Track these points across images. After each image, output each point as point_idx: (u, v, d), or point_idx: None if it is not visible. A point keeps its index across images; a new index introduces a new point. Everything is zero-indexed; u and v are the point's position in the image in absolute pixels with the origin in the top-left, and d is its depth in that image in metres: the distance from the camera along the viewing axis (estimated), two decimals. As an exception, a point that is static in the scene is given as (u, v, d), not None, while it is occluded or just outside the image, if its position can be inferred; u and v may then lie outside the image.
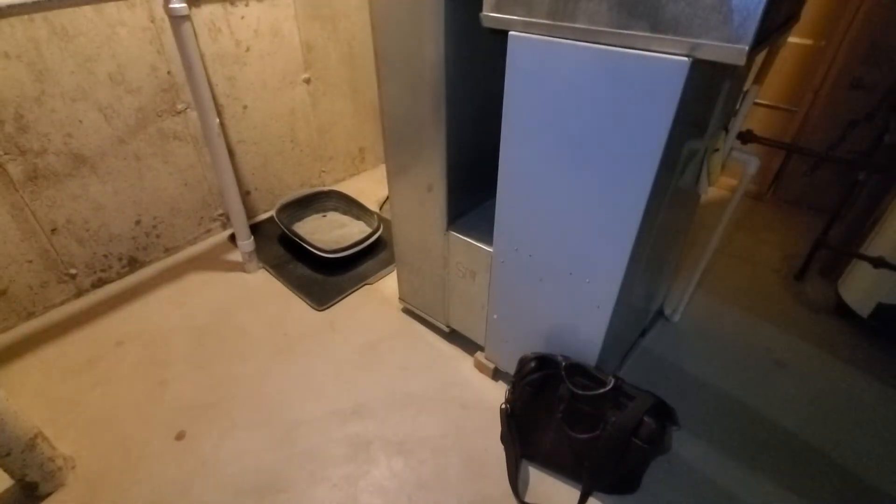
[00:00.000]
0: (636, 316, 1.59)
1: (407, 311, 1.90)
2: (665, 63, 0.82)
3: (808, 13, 2.26)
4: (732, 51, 0.74)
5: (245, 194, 2.38)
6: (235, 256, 2.18)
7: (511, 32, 0.98)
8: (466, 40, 1.17)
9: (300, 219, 2.39)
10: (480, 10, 1.01)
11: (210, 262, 2.20)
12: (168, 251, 2.20)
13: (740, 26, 0.72)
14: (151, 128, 1.94)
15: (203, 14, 1.92)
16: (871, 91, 2.18)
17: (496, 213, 1.26)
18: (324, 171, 2.72)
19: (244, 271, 2.13)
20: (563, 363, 1.26)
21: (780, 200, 2.64)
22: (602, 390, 1.19)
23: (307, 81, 2.40)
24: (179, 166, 2.09)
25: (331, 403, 1.55)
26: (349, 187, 2.75)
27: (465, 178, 1.42)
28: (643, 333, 1.81)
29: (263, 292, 2.02)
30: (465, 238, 1.43)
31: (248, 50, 2.11)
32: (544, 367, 1.29)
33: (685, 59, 0.79)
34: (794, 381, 1.64)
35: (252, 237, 2.07)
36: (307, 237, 2.11)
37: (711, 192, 1.39)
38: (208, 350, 1.75)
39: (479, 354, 1.65)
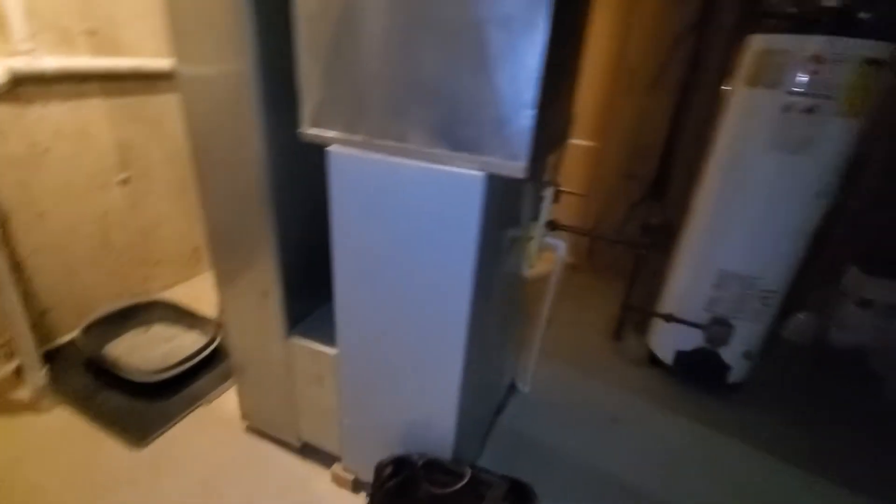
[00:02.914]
0: (489, 395, 1.65)
1: (252, 431, 1.68)
2: (466, 177, 0.93)
3: (587, 122, 2.85)
4: (513, 167, 0.88)
5: (40, 315, 1.96)
6: (23, 394, 1.74)
7: (329, 148, 1.03)
8: (290, 147, 1.18)
9: (116, 336, 2.03)
10: (298, 125, 1.05)
11: (-20, 407, 1.71)
12: (-90, 402, 1.66)
13: (516, 148, 0.87)
14: None
15: (-18, 114, 1.66)
16: (642, 180, 2.77)
17: (335, 316, 1.24)
18: (149, 278, 2.40)
19: (35, 411, 1.69)
20: (420, 462, 1.22)
21: (595, 269, 3.10)
22: (459, 485, 1.17)
23: (125, 182, 2.17)
24: (-65, 290, 1.65)
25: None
26: (182, 293, 2.46)
27: (304, 281, 1.38)
28: (500, 411, 1.87)
29: (63, 436, 1.62)
30: (308, 343, 1.36)
31: (46, 151, 1.86)
32: (401, 469, 1.23)
33: (480, 173, 0.91)
34: (627, 434, 1.82)
35: (46, 367, 1.69)
36: (124, 358, 1.79)
37: (540, 268, 1.59)
38: (-35, 534, 1.30)
39: (336, 466, 1.51)
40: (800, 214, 1.69)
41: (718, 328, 1.87)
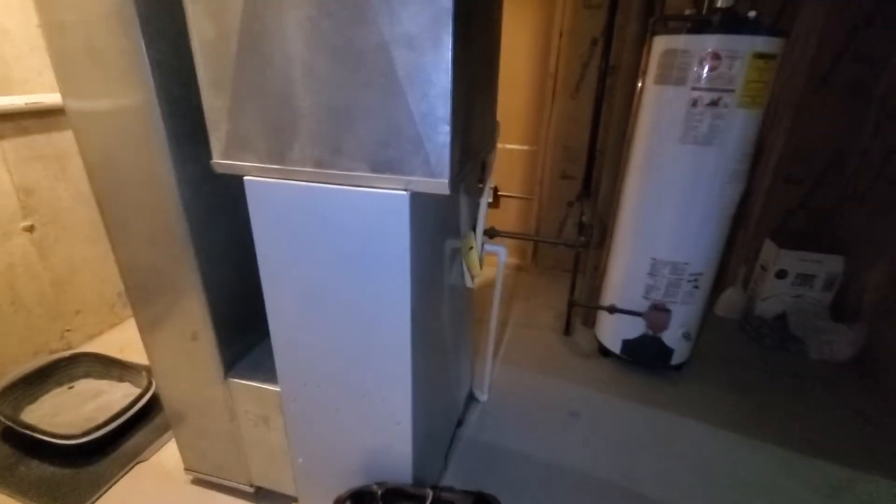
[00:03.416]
0: (447, 410, 1.63)
1: (199, 482, 1.56)
2: (390, 197, 0.91)
3: (521, 127, 2.93)
4: (436, 184, 0.87)
5: (-62, 386, 1.74)
6: (-80, 481, 1.53)
7: (246, 178, 0.98)
8: (206, 180, 1.12)
9: (35, 399, 1.84)
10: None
11: None
12: None
13: (437, 165, 0.86)
14: None
15: None
16: (575, 180, 2.87)
17: (274, 351, 1.18)
18: (68, 330, 2.20)
19: (-62, 499, 1.50)
20: (380, 491, 1.18)
21: (541, 268, 3.18)
22: (421, 509, 1.14)
23: (29, 230, 1.98)
24: None
25: None
26: (109, 342, 2.27)
27: (238, 318, 1.31)
28: (460, 423, 1.86)
29: (-28, 522, 1.44)
30: (248, 382, 1.28)
31: (-72, 203, 1.66)
32: (361, 502, 1.19)
33: (405, 192, 0.90)
34: (586, 426, 1.87)
35: (-51, 446, 1.49)
36: (44, 422, 1.62)
37: (487, 274, 1.60)
38: None
39: (293, 507, 1.44)
40: (717, 200, 1.80)
41: (657, 314, 1.96)
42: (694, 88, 1.65)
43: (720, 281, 2.49)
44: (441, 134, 0.83)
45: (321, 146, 0.91)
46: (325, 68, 0.84)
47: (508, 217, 3.13)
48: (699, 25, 1.66)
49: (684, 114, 1.69)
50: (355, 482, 1.27)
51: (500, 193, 2.94)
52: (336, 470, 1.30)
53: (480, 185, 1.54)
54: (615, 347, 2.17)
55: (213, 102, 0.94)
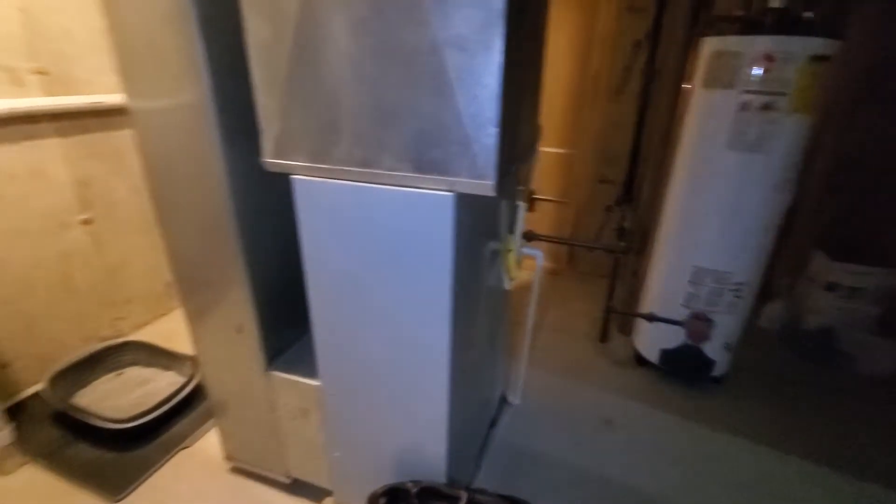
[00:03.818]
0: (481, 411, 1.63)
1: (238, 471, 1.61)
2: (435, 197, 0.92)
3: (560, 130, 2.90)
4: (482, 185, 0.87)
5: None
6: (-16, 456, 1.63)
7: (294, 177, 1.00)
8: (256, 174, 1.16)
9: (85, 384, 1.94)
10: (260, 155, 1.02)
11: (-62, 474, 1.60)
12: None
13: (483, 167, 0.86)
14: None
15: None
16: (615, 184, 2.82)
17: (315, 346, 1.20)
18: (119, 319, 2.31)
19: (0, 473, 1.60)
20: (414, 490, 1.19)
21: (577, 273, 3.13)
22: (453, 511, 1.14)
23: (86, 222, 2.09)
24: None
25: None
26: (156, 331, 2.37)
27: (281, 312, 1.34)
28: (494, 424, 1.85)
29: (31, 497, 1.52)
30: (289, 376, 1.31)
31: (-3, 196, 1.78)
32: (395, 499, 1.20)
33: (449, 193, 0.91)
34: (621, 436, 1.82)
35: (11, 424, 1.59)
36: (94, 407, 1.71)
37: (523, 277, 1.60)
38: None
39: (327, 501, 1.46)
40: (763, 208, 1.73)
41: (698, 323, 1.89)
42: (744, 92, 1.59)
43: (764, 292, 2.39)
44: (489, 136, 0.83)
45: (367, 146, 0.92)
46: (374, 69, 0.86)
47: (543, 221, 3.09)
48: (751, 26, 1.61)
49: (733, 118, 1.63)
50: (389, 479, 1.28)
51: (535, 197, 2.90)
52: (371, 465, 1.31)
53: (520, 188, 1.53)
54: (653, 357, 2.11)
55: (266, 101, 0.96)
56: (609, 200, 2.82)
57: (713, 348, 1.94)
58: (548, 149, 2.96)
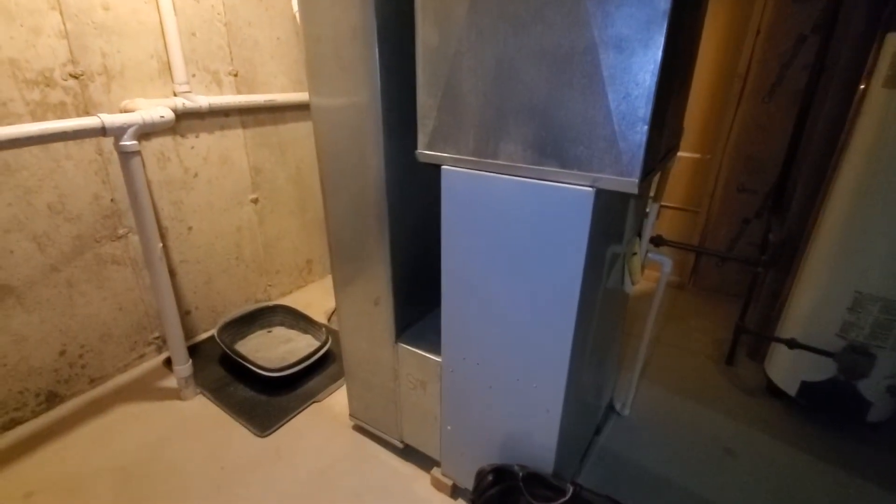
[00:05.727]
0: (588, 414, 1.62)
1: (358, 429, 1.81)
2: (575, 192, 0.96)
3: (694, 133, 2.70)
4: (625, 182, 0.89)
5: (185, 314, 2.30)
6: (170, 382, 2.04)
7: (443, 167, 1.11)
8: (405, 165, 1.30)
9: (243, 336, 2.31)
10: (416, 146, 1.15)
11: (141, 390, 2.03)
12: (94, 382, 2.02)
13: (629, 164, 0.88)
14: (88, 254, 1.89)
15: (153, 146, 2.01)
16: (756, 194, 2.56)
17: (442, 325, 1.31)
18: (270, 286, 2.70)
19: (179, 398, 1.98)
20: (521, 474, 1.23)
21: (700, 289, 2.90)
22: (562, 500, 1.16)
23: (255, 201, 2.48)
24: (115, 290, 2.01)
25: (274, 547, 1.39)
26: (296, 300, 2.73)
27: (412, 290, 1.48)
28: (598, 431, 1.82)
29: (200, 421, 1.87)
30: (414, 349, 1.44)
31: (196, 176, 2.19)
32: (502, 479, 1.25)
33: (590, 189, 0.94)
34: (746, 470, 1.67)
35: (190, 360, 1.96)
36: (250, 356, 2.03)
37: (642, 285, 1.54)
38: (134, 495, 1.55)
39: (435, 471, 1.57)
40: (961, 230, 1.46)
41: (856, 357, 1.66)
42: (944, 93, 1.36)
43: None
44: (638, 133, 0.85)
45: (514, 141, 0.99)
46: (529, 69, 0.92)
47: (667, 229, 2.92)
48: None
49: (925, 123, 1.41)
50: (496, 459, 1.34)
51: (661, 204, 2.75)
52: (480, 444, 1.39)
53: (653, 192, 1.49)
54: (790, 388, 1.89)
55: (426, 100, 1.08)
56: (747, 212, 2.57)
57: (872, 388, 1.69)
58: (679, 153, 2.78)
